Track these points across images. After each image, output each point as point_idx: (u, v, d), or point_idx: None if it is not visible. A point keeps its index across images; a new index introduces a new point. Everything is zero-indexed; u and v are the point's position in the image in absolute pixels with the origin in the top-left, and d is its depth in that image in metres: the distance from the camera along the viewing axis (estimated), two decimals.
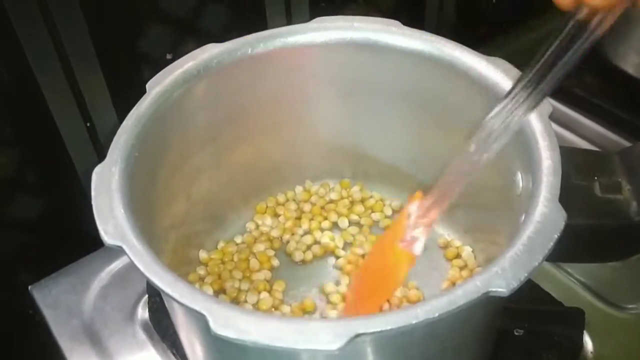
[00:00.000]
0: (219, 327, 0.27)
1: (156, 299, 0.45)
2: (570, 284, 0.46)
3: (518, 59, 0.37)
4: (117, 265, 0.49)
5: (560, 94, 0.58)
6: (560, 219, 0.30)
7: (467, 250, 0.45)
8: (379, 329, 0.27)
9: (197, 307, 0.28)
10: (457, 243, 0.46)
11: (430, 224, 0.35)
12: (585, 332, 0.42)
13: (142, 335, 0.45)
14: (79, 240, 0.50)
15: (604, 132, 0.55)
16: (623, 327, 0.44)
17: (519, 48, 0.65)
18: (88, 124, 0.49)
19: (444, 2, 0.64)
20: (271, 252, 0.46)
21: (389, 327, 0.27)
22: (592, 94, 0.57)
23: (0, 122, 0.45)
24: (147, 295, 0.46)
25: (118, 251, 0.49)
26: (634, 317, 0.44)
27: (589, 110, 0.57)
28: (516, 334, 0.41)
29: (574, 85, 0.58)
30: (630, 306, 0.44)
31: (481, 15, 0.69)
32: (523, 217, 0.31)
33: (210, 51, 0.40)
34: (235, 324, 0.27)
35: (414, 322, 0.27)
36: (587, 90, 0.57)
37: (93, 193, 0.32)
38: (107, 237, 0.31)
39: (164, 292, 0.29)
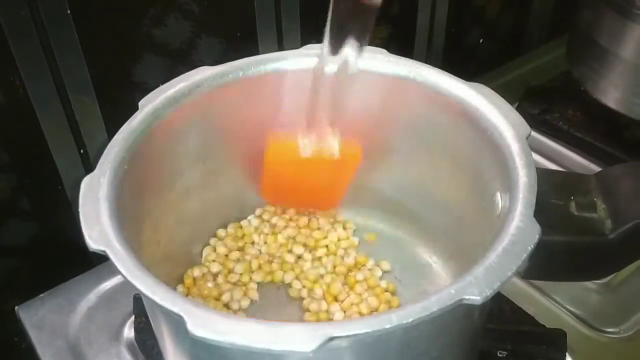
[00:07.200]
0: (196, 329, 0.27)
1: (142, 319, 0.45)
2: (553, 308, 0.46)
3: (504, 94, 0.39)
4: (105, 286, 0.50)
5: (544, 127, 0.60)
6: (534, 232, 0.31)
7: None
8: (353, 333, 0.27)
9: (175, 309, 0.28)
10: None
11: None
12: (568, 355, 0.42)
13: (126, 355, 0.45)
14: (68, 265, 0.51)
15: (585, 164, 0.57)
16: (605, 351, 0.44)
17: (506, 83, 0.67)
18: (82, 151, 0.50)
19: (432, 39, 0.66)
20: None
21: (363, 331, 0.27)
22: (575, 127, 0.59)
23: None
24: (133, 316, 0.46)
25: (106, 273, 0.50)
26: (616, 341, 0.44)
27: (571, 143, 0.59)
28: (499, 355, 0.41)
29: (557, 118, 0.60)
30: (612, 330, 0.45)
31: (469, 52, 0.71)
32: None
33: (202, 73, 0.41)
34: (212, 326, 0.28)
35: (387, 326, 0.27)
36: (570, 124, 0.60)
37: (80, 201, 0.33)
38: (92, 242, 0.31)
39: (144, 294, 0.29)
